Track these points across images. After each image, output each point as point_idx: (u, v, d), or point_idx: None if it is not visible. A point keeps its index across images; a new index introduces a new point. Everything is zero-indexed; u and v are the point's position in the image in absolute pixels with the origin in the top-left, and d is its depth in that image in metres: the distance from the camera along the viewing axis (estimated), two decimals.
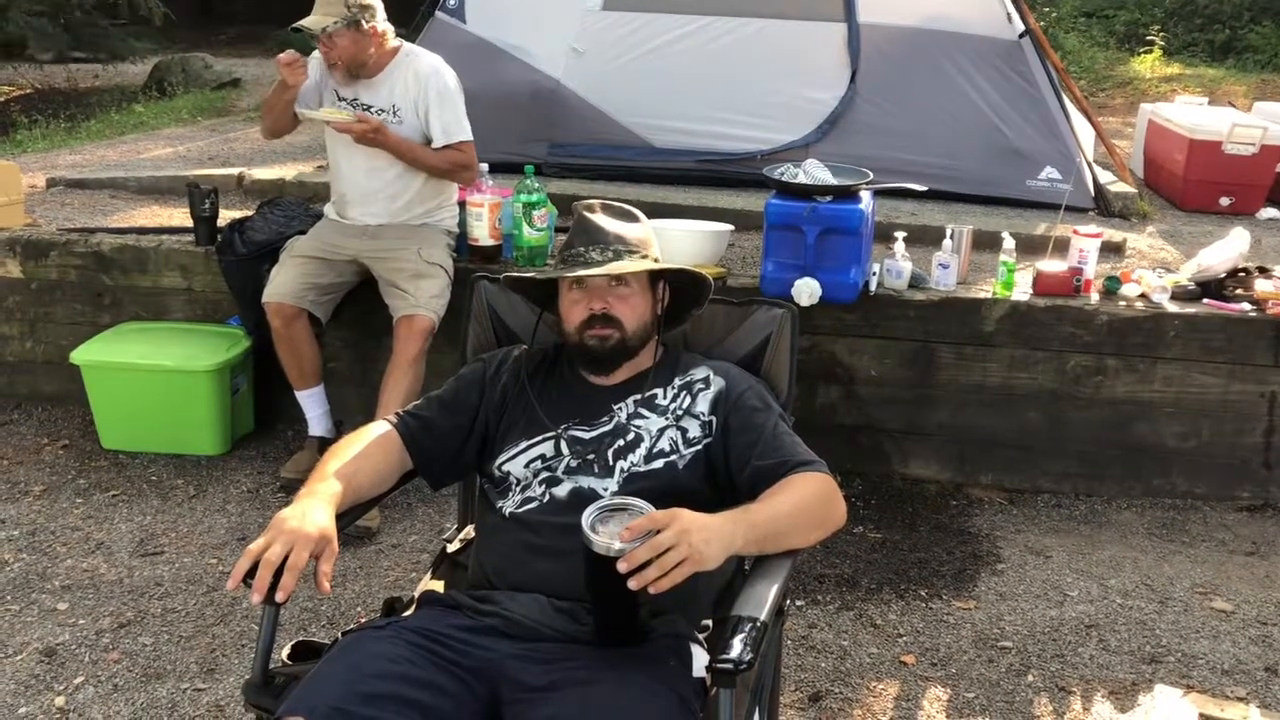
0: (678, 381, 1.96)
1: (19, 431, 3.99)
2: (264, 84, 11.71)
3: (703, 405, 1.93)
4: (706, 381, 1.96)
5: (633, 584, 1.50)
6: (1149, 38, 10.88)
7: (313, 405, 3.70)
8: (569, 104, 5.18)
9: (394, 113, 3.56)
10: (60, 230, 4.20)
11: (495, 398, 1.99)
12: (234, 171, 5.06)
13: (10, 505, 3.44)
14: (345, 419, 3.80)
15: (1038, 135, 4.89)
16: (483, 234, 3.88)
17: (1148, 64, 9.98)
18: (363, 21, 3.42)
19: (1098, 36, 11.00)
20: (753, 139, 5.08)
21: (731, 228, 3.99)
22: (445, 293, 3.60)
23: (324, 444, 3.68)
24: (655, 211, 4.45)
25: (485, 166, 3.95)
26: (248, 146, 6.06)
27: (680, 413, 1.92)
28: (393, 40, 3.59)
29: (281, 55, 3.43)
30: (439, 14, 5.32)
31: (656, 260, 1.96)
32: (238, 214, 4.11)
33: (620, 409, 1.93)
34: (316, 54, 3.57)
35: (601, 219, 1.95)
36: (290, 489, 3.56)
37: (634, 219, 1.99)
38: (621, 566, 1.51)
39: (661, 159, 5.14)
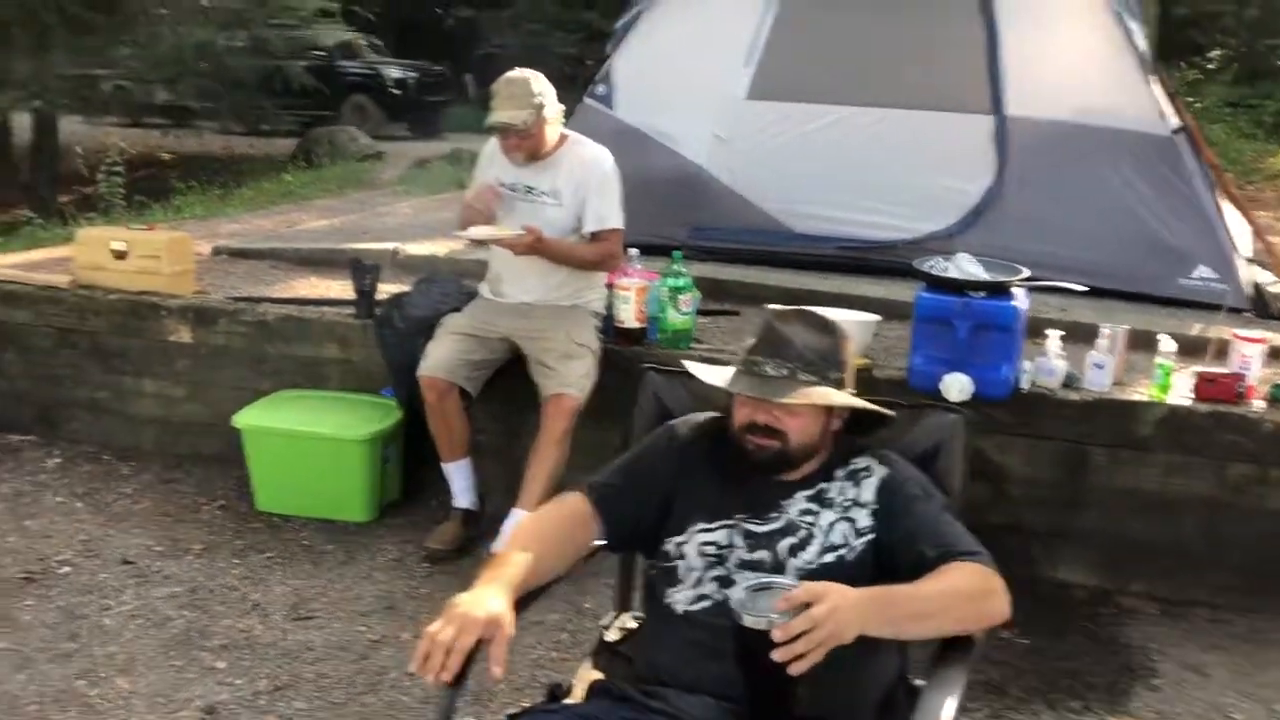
0: (843, 472, 1.95)
1: (180, 490, 4.17)
2: (404, 156, 12.23)
3: (868, 493, 1.91)
4: (870, 469, 1.94)
5: (779, 655, 1.51)
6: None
7: (459, 477, 3.78)
8: (711, 188, 5.26)
9: (555, 196, 3.70)
10: (229, 299, 4.42)
11: (677, 469, 1.99)
12: (389, 246, 5.26)
13: (173, 562, 3.59)
14: (489, 492, 3.87)
15: (1191, 232, 4.77)
16: (629, 316, 3.95)
17: None
18: (546, 112, 3.58)
19: (1245, 127, 10.71)
20: (895, 227, 5.08)
21: (878, 318, 3.98)
22: (592, 373, 3.67)
23: (468, 516, 3.77)
24: (795, 299, 4.53)
25: (635, 251, 4.04)
26: (397, 221, 6.31)
27: (848, 503, 1.91)
28: (561, 127, 3.72)
29: (481, 192, 3.72)
30: (588, 99, 5.49)
31: (842, 380, 1.95)
32: (394, 288, 4.28)
33: (790, 505, 1.93)
34: (489, 145, 3.80)
35: (789, 329, 1.93)
36: (435, 560, 3.64)
37: (828, 331, 1.96)
38: (776, 635, 1.52)
39: (802, 244, 5.16)
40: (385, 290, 4.27)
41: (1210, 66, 14.96)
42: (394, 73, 16.82)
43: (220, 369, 4.31)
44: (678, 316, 3.93)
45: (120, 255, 4.42)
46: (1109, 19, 4.92)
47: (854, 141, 5.17)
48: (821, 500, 1.92)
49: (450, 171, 9.76)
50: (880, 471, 1.94)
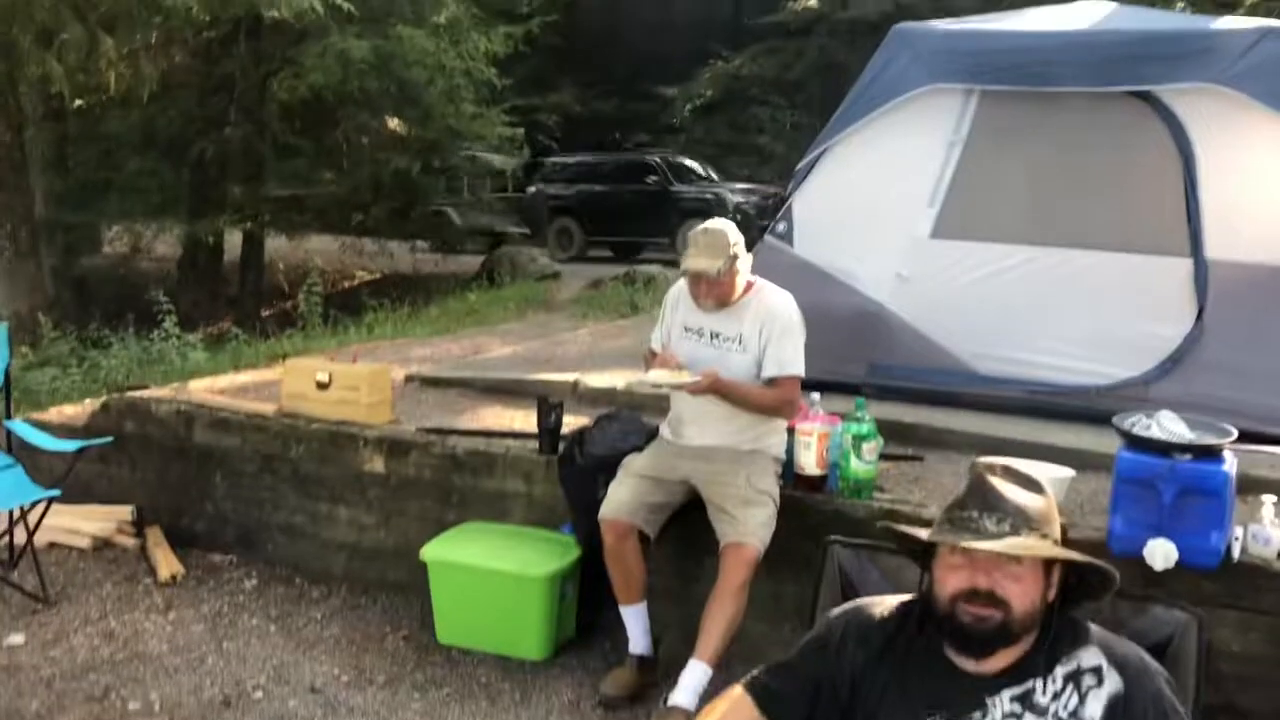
0: (1061, 671, 1.78)
1: (367, 617, 4.31)
2: (579, 277, 12.61)
3: (1094, 709, 1.73)
4: (1099, 675, 1.75)
5: None
6: None
7: (635, 621, 3.77)
8: (892, 327, 5.21)
9: (740, 342, 3.74)
10: (420, 431, 4.61)
11: (844, 670, 1.87)
12: (569, 378, 5.41)
13: (358, 693, 3.69)
14: (664, 635, 3.84)
15: None
16: (809, 463, 3.91)
17: None
18: (739, 263, 3.68)
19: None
20: (1087, 372, 4.90)
21: (1073, 473, 3.83)
22: (772, 521, 3.64)
23: (643, 662, 3.75)
24: (982, 446, 4.42)
25: (817, 395, 4.02)
26: (577, 349, 6.48)
27: (1065, 716, 1.77)
28: (749, 274, 3.78)
29: (661, 359, 3.74)
30: (768, 238, 5.56)
31: (1058, 542, 1.85)
32: (576, 419, 4.37)
33: (994, 704, 1.81)
34: (675, 289, 3.91)
35: (1002, 484, 1.84)
36: (610, 706, 3.62)
37: (1038, 490, 1.88)
38: None
39: (987, 387, 5.03)
40: (569, 422, 4.36)
41: None
42: (734, 197, 15.74)
43: (410, 499, 4.47)
44: (860, 465, 3.87)
45: (323, 385, 4.69)
46: None
47: (1041, 282, 5.05)
48: (1030, 704, 1.78)
49: (624, 293, 10.00)
50: (1113, 682, 1.75)
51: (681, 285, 3.85)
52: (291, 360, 5.41)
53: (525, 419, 4.68)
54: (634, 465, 3.83)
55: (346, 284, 14.11)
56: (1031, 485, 1.87)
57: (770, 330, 3.72)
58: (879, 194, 5.38)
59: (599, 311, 8.92)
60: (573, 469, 4.06)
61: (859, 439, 3.87)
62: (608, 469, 3.92)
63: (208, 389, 5.53)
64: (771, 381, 3.73)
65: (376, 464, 4.53)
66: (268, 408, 4.91)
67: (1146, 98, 4.93)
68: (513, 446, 4.40)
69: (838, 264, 5.38)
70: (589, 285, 11.54)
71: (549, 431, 4.29)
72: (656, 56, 19.52)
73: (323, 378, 4.70)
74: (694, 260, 3.66)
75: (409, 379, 5.69)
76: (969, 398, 5.01)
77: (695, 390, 3.63)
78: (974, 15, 6.32)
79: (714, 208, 14.36)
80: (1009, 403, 4.97)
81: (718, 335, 3.77)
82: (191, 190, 13.35)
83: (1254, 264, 4.76)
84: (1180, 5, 10.83)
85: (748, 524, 3.56)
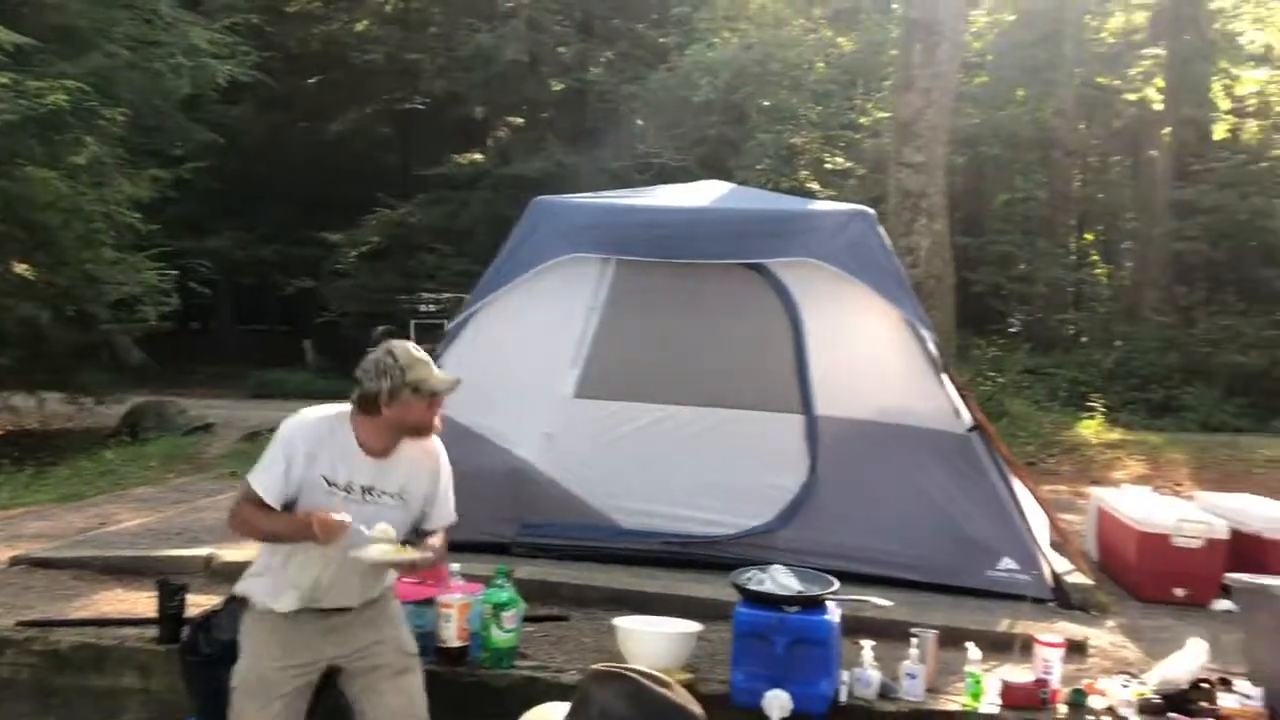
0: None
1: None
2: (234, 428, 11.94)
3: None
4: None
5: None
6: (1089, 403, 11.51)
7: None
8: (540, 486, 5.33)
9: (401, 496, 3.23)
10: (17, 625, 4.13)
11: None
12: (203, 552, 5.07)
13: None
14: None
15: (993, 526, 5.05)
16: (450, 635, 3.86)
17: (1092, 429, 10.47)
18: None
19: (1040, 396, 11.61)
20: (719, 522, 5.22)
21: (699, 628, 4.00)
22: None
23: None
24: (621, 600, 4.57)
25: (456, 565, 4.01)
26: (216, 517, 6.09)
27: None
28: None
29: (328, 521, 3.01)
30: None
31: None
32: (207, 600, 4.08)
33: None
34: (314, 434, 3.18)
35: (603, 693, 1.87)
36: None
37: (637, 702, 1.88)
38: None
39: (629, 540, 5.24)
40: (198, 603, 4.06)
41: (1013, 330, 16.33)
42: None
43: (6, 704, 3.97)
44: (501, 634, 3.87)
45: None
46: (903, 326, 5.35)
47: (677, 439, 5.37)
48: None
49: None
50: None
51: (327, 426, 3.15)
52: None
53: (150, 603, 4.31)
54: (263, 670, 3.23)
55: None
56: (633, 697, 1.86)
57: (438, 479, 3.35)
58: (525, 355, 5.55)
59: (252, 468, 8.46)
60: (197, 659, 3.77)
61: (499, 607, 3.88)
62: (237, 657, 3.67)
63: None
64: (429, 533, 3.34)
65: None
66: None
67: (760, 270, 5.45)
68: (129, 636, 4.04)
69: (487, 424, 5.45)
70: (245, 437, 10.97)
71: (169, 617, 3.98)
72: (322, 202, 19.35)
73: None
74: (440, 375, 3.16)
75: (14, 561, 5.11)
76: (613, 552, 5.19)
77: (423, 569, 3.26)
78: (610, 191, 6.75)
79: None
80: (650, 555, 5.19)
81: (371, 490, 3.19)
82: None
83: (856, 419, 5.29)
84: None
85: (413, 704, 3.32)
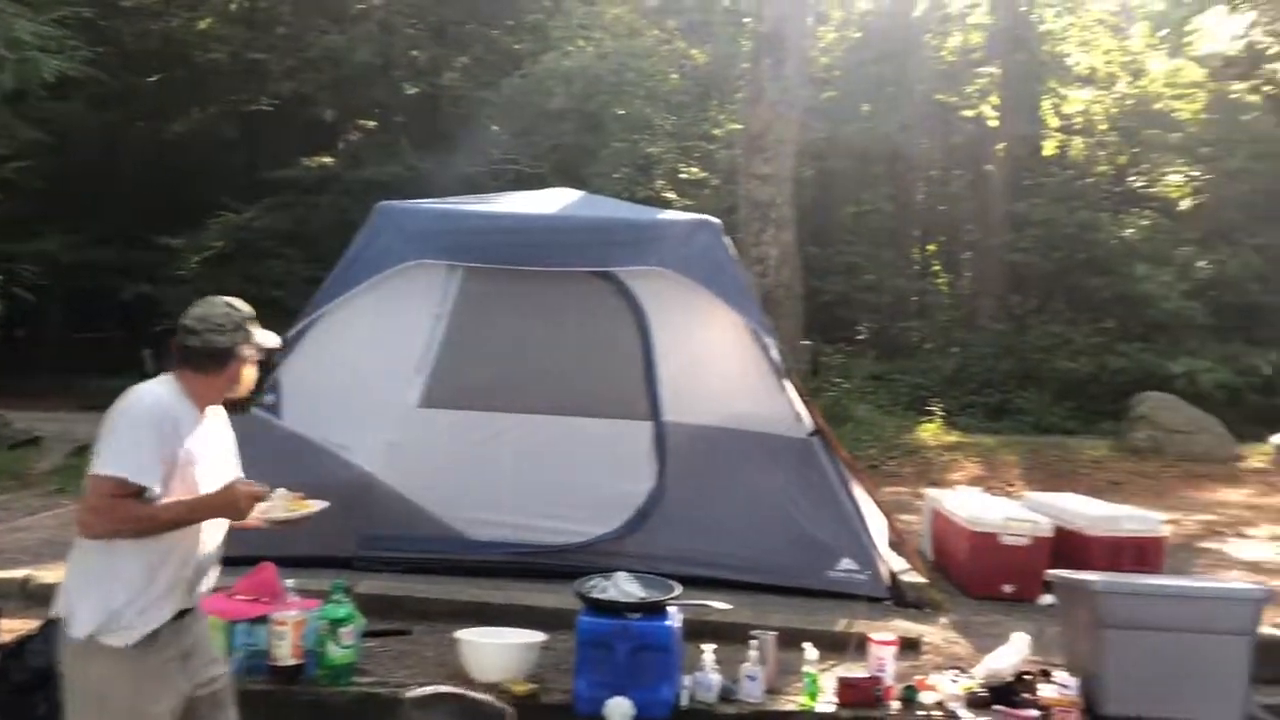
0: None
1: None
2: (65, 441, 11.30)
3: None
4: None
5: None
6: (929, 408, 11.96)
7: None
8: (384, 498, 5.22)
9: (229, 457, 2.96)
10: None
11: None
12: (19, 574, 4.79)
13: None
14: None
15: (833, 527, 5.19)
16: (284, 653, 3.74)
17: (931, 432, 10.88)
18: None
19: (884, 401, 12.00)
20: (567, 531, 5.22)
21: (543, 638, 4.00)
22: None
23: None
24: (466, 612, 4.51)
25: (291, 581, 3.89)
26: (37, 537, 5.76)
27: None
28: None
29: (255, 492, 2.80)
30: (255, 410, 5.36)
31: None
32: (21, 624, 3.85)
33: None
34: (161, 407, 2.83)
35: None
36: None
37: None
38: None
39: (476, 551, 5.18)
40: (11, 628, 3.83)
41: (860, 337, 16.83)
42: None
43: None
44: (338, 651, 3.77)
45: None
46: (747, 335, 5.44)
47: (525, 448, 5.33)
48: None
49: None
50: None
51: (170, 396, 2.84)
52: None
53: None
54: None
55: None
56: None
57: (227, 433, 3.01)
58: (369, 364, 5.43)
59: (80, 487, 8.03)
60: (6, 688, 3.55)
61: (336, 623, 3.77)
62: (52, 684, 3.46)
63: None
64: None
65: None
66: None
67: (609, 278, 5.46)
68: None
69: (329, 435, 5.32)
70: (75, 452, 10.39)
71: None
72: (163, 204, 18.53)
73: None
74: (268, 333, 2.95)
75: None
76: (460, 564, 5.13)
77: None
78: (459, 196, 6.68)
79: None
80: (497, 566, 5.15)
81: (217, 453, 2.89)
82: None
83: (702, 425, 5.36)
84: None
85: None
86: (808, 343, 11.73)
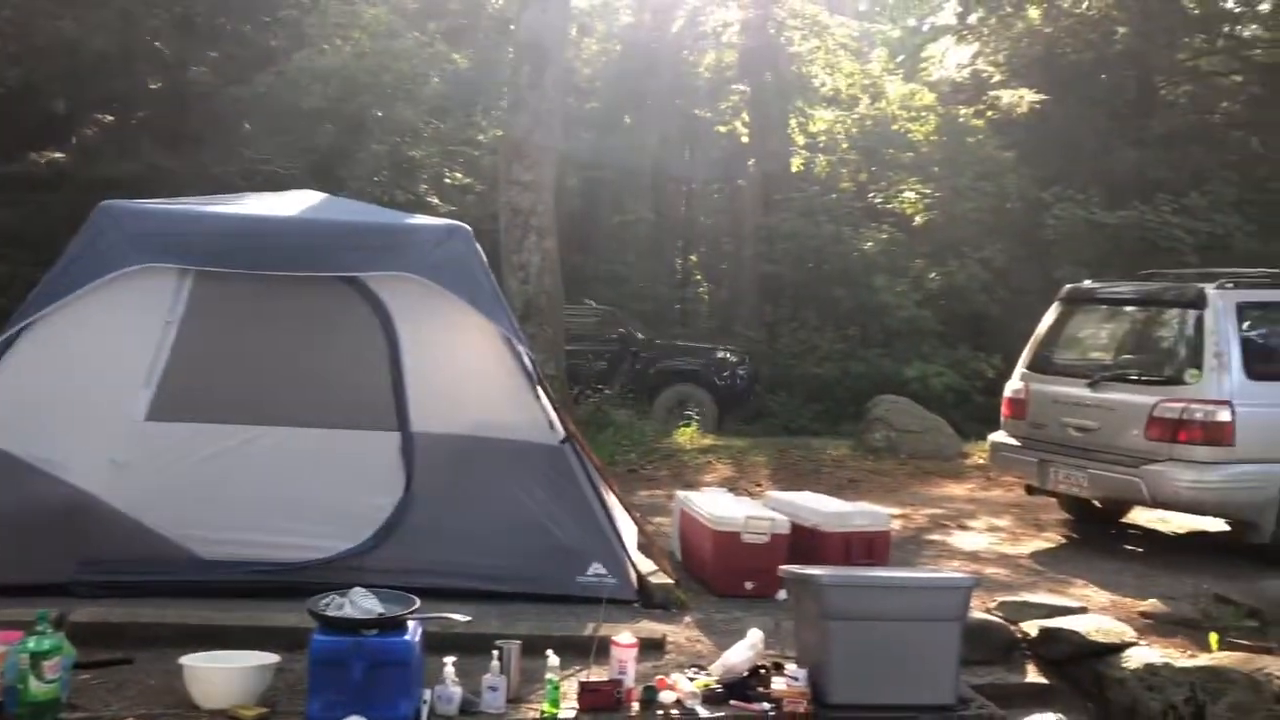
0: None
1: None
2: None
3: None
4: None
5: None
6: (686, 411, 12.30)
7: None
8: (104, 518, 4.87)
9: None
10: None
11: None
12: None
13: None
14: None
15: (584, 533, 5.23)
16: None
17: (687, 436, 11.18)
18: None
19: (645, 407, 12.23)
20: (310, 547, 5.03)
21: (276, 659, 3.84)
22: None
23: None
24: (197, 637, 4.26)
25: None
26: None
27: None
28: None
29: None
30: None
31: None
32: None
33: None
34: None
35: None
36: None
37: None
38: None
39: (209, 573, 4.91)
40: None
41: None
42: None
43: None
44: (41, 686, 3.48)
45: None
46: (499, 341, 5.41)
47: (264, 461, 5.10)
48: None
49: None
50: None
51: None
52: None
53: None
54: None
55: None
56: None
57: None
58: (88, 375, 5.06)
59: None
60: None
61: (39, 656, 3.49)
62: None
63: None
64: None
65: None
66: None
67: (354, 283, 5.31)
68: None
69: (39, 452, 4.91)
70: None
71: None
72: None
73: None
74: None
75: None
76: (192, 586, 4.84)
77: None
78: (206, 196, 6.33)
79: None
80: (235, 586, 4.89)
81: None
82: None
83: (453, 434, 5.29)
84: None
85: None
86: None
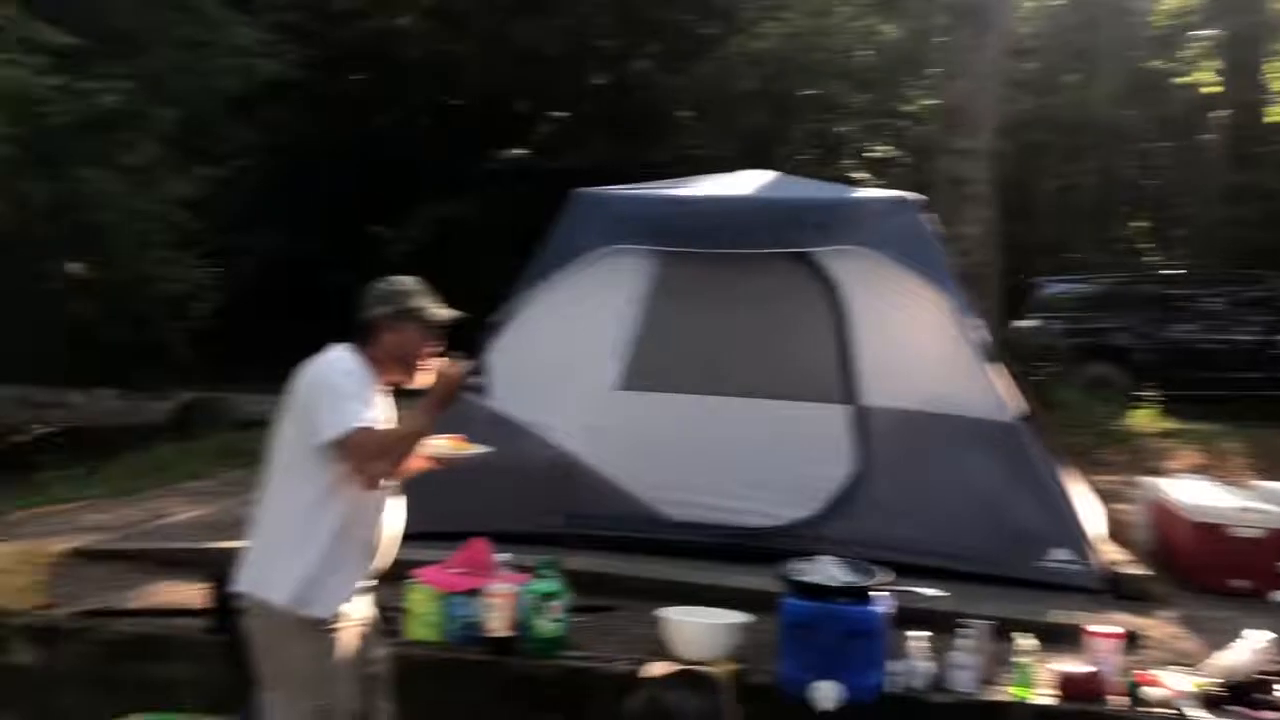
0: None
1: None
2: None
3: None
4: None
5: None
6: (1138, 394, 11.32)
7: None
8: (587, 477, 5.33)
9: None
10: (74, 615, 4.21)
11: None
12: None
13: None
14: None
15: (1043, 515, 4.97)
16: (497, 625, 3.89)
17: (1145, 418, 10.28)
18: None
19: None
20: (765, 514, 5.18)
21: (746, 618, 3.99)
22: None
23: None
24: (670, 592, 4.55)
25: (506, 555, 4.03)
26: None
27: None
28: None
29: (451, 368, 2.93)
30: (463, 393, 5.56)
31: None
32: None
33: None
34: (358, 371, 2.98)
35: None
36: None
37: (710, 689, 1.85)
38: None
39: (676, 533, 5.22)
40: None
41: None
42: None
43: (64, 694, 4.05)
44: (548, 625, 3.88)
45: None
46: (950, 315, 5.28)
47: (721, 430, 5.34)
48: None
49: None
50: None
51: (354, 361, 2.97)
52: None
53: (202, 594, 4.38)
54: (339, 698, 2.85)
55: (16, 439, 12.83)
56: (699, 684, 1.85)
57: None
58: (569, 348, 5.55)
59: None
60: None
61: (545, 598, 3.89)
62: None
63: None
64: None
65: (23, 656, 4.09)
66: None
67: (804, 259, 5.40)
68: (182, 626, 4.10)
69: (533, 416, 5.46)
70: None
71: (223, 608, 4.03)
72: (365, 199, 19.43)
73: None
74: (440, 308, 3.04)
75: (74, 553, 5.21)
76: (659, 544, 5.18)
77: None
78: (650, 183, 6.74)
79: None
80: (696, 546, 5.17)
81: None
82: None
83: (904, 409, 5.23)
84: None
85: None
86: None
